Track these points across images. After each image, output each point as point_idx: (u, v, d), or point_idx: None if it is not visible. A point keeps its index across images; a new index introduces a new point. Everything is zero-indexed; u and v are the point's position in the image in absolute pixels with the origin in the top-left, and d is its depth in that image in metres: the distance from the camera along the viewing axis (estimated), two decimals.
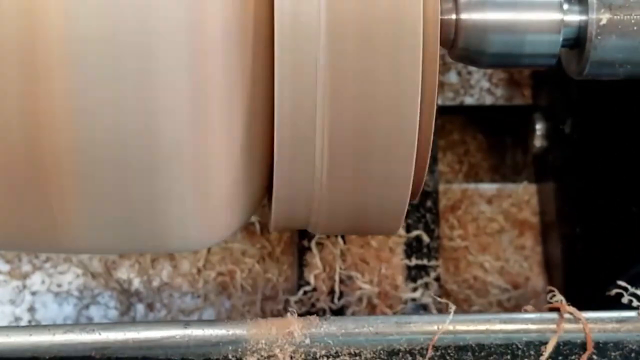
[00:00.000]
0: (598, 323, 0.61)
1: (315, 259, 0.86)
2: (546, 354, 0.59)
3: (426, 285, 0.86)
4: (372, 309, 0.86)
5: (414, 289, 0.86)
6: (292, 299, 0.86)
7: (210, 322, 0.61)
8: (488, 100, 0.96)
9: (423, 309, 0.86)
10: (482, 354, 0.60)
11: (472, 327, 0.60)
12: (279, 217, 0.59)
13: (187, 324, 0.60)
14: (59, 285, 0.88)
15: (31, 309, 0.88)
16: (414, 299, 0.86)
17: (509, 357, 0.60)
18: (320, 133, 0.55)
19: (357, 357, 0.60)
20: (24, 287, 0.89)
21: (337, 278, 0.86)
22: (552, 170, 0.92)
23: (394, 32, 0.53)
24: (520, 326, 0.61)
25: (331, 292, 0.86)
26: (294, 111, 0.54)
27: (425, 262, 0.87)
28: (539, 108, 0.93)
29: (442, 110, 0.94)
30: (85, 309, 0.88)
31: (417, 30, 0.53)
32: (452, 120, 0.99)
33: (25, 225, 0.58)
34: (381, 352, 0.60)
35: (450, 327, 0.60)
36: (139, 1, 0.51)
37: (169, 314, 0.88)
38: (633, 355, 0.60)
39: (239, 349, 0.60)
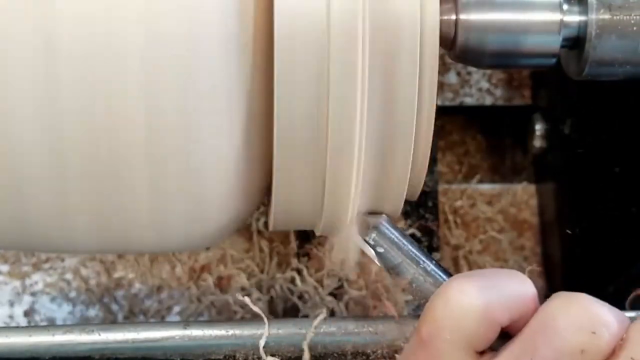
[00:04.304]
0: None
1: (313, 259, 0.86)
2: None
3: None
4: (371, 310, 0.85)
5: None
6: (291, 299, 0.86)
7: (209, 323, 0.61)
8: (487, 100, 0.96)
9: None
10: None
11: None
12: (279, 217, 0.59)
13: (186, 324, 0.60)
14: (59, 286, 0.88)
15: (30, 310, 0.88)
16: (413, 299, 0.86)
17: None
18: (320, 133, 0.55)
19: (357, 358, 0.60)
20: (24, 287, 0.89)
21: (335, 278, 0.86)
22: (552, 170, 0.91)
23: (392, 33, 0.53)
24: None
25: (330, 292, 0.86)
26: (294, 111, 0.54)
27: None
28: (539, 108, 0.93)
29: (442, 111, 0.94)
30: (85, 309, 0.88)
31: (414, 30, 0.53)
32: (452, 121, 0.99)
33: (26, 225, 0.58)
34: (380, 352, 0.60)
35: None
36: (139, 6, 0.52)
37: (168, 314, 0.88)
38: None
39: (239, 350, 0.60)
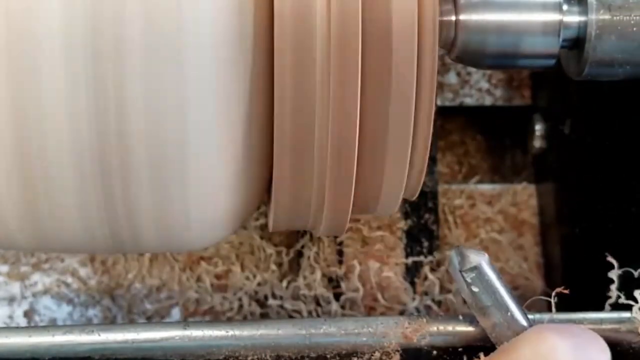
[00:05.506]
0: (597, 324, 0.61)
1: (312, 260, 0.86)
2: None
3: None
4: (370, 310, 0.85)
5: (413, 290, 0.86)
6: (290, 299, 0.86)
7: (209, 323, 0.61)
8: (487, 101, 0.96)
9: (426, 308, 0.86)
10: None
11: None
12: (278, 218, 0.59)
13: (186, 324, 0.60)
14: (58, 287, 0.88)
15: (30, 310, 0.88)
16: (413, 300, 0.86)
17: None
18: (320, 132, 0.55)
19: (356, 358, 0.60)
20: (24, 287, 0.89)
21: (335, 279, 0.86)
22: (552, 170, 0.91)
23: (391, 33, 0.53)
24: None
25: (328, 293, 0.86)
26: (294, 112, 0.54)
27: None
28: (539, 109, 0.93)
29: (442, 111, 0.94)
30: (85, 310, 0.88)
31: (412, 31, 0.53)
32: (452, 121, 0.99)
33: (26, 224, 0.58)
34: (379, 352, 0.60)
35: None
36: (137, 5, 0.52)
37: (168, 314, 0.88)
38: (631, 356, 0.60)
39: (239, 350, 0.60)
